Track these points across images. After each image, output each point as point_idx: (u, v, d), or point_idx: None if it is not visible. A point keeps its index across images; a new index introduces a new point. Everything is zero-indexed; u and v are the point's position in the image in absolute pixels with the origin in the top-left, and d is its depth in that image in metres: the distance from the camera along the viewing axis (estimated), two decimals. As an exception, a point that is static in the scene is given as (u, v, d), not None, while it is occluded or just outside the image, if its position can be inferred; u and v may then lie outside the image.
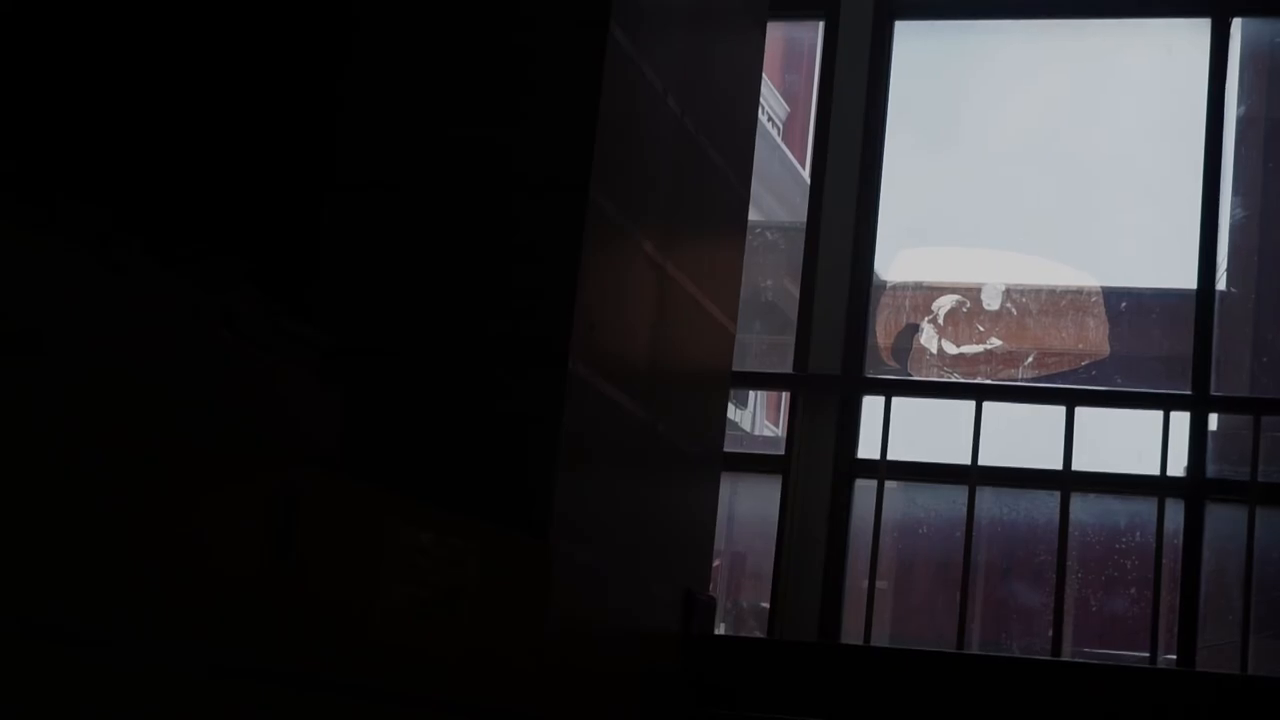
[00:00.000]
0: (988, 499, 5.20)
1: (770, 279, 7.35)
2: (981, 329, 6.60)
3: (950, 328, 6.40)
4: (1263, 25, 5.61)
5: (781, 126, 9.88)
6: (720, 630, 5.40)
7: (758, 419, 9.61)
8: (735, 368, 4.06)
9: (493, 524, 2.74)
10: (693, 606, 3.63)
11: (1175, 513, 4.96)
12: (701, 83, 3.60)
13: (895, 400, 4.95)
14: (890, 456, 4.88)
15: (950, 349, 6.41)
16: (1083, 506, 5.21)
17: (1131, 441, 5.08)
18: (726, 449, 3.99)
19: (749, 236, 4.06)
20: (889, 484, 4.70)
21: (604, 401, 3.14)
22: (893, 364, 5.96)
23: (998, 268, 6.56)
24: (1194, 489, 5.02)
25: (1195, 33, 5.33)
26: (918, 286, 6.27)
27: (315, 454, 2.48)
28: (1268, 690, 3.72)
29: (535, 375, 2.98)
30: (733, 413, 7.89)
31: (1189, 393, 5.08)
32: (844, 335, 5.40)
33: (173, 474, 1.96)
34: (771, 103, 9.35)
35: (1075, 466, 4.68)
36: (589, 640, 3.10)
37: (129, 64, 2.96)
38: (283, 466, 2.22)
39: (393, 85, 3.20)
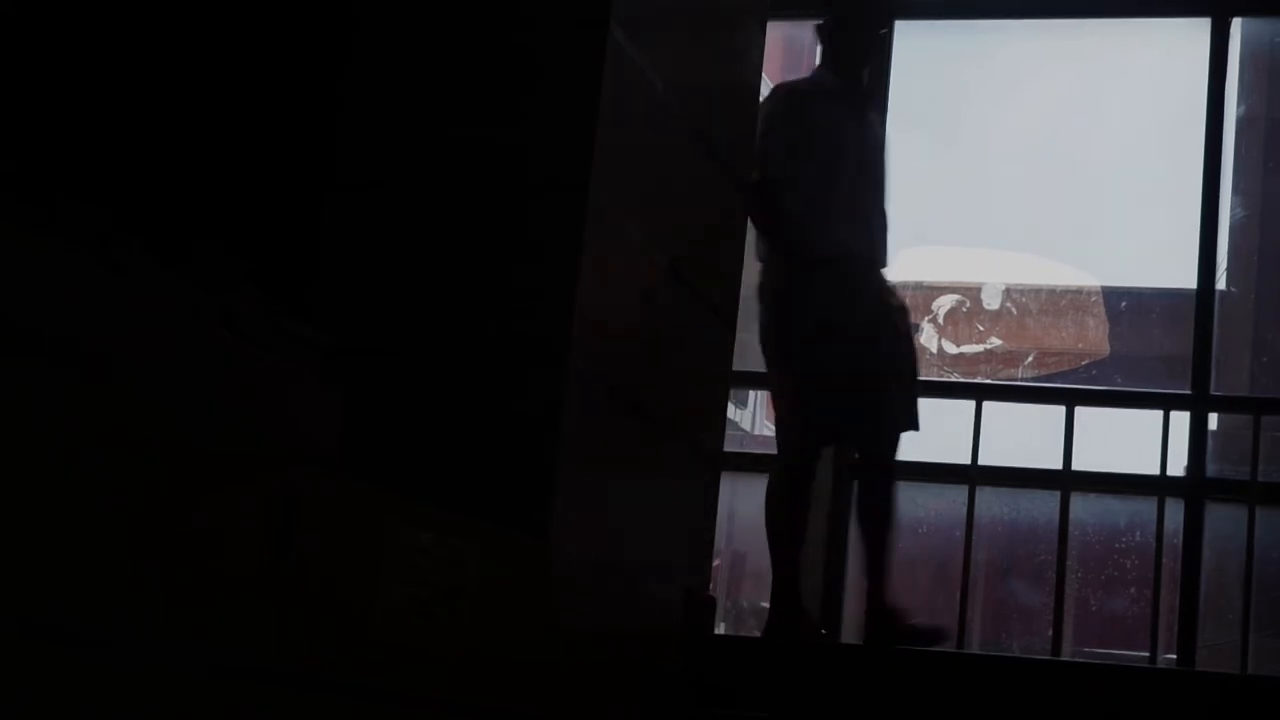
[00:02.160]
0: (988, 499, 5.20)
1: (770, 279, 7.33)
2: (981, 329, 6.61)
3: (950, 327, 6.41)
4: (1263, 25, 5.61)
5: (781, 126, 9.86)
6: (720, 630, 5.39)
7: (758, 419, 9.60)
8: (735, 367, 4.06)
9: (493, 524, 2.74)
10: (693, 606, 3.63)
11: (1175, 512, 4.96)
12: (701, 82, 3.60)
13: (895, 400, 4.94)
14: (890, 456, 4.88)
15: (950, 348, 6.41)
16: (1083, 506, 5.20)
17: (1131, 441, 5.07)
18: (726, 449, 3.99)
19: (749, 236, 4.07)
20: (889, 484, 4.68)
21: (604, 401, 3.14)
22: (893, 364, 5.94)
23: (998, 267, 6.56)
24: (1194, 489, 5.01)
25: (1195, 32, 5.32)
26: (918, 286, 6.27)
27: (315, 454, 2.48)
28: (1268, 690, 3.73)
29: (535, 375, 2.98)
30: (733, 413, 7.88)
31: (1189, 392, 5.08)
32: (844, 335, 5.38)
33: (173, 474, 1.96)
34: (772, 102, 9.33)
35: (1075, 466, 4.68)
36: (589, 640, 3.10)
37: (129, 64, 2.96)
38: (283, 466, 2.22)
39: (393, 85, 3.21)
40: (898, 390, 4.22)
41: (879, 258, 4.27)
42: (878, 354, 4.17)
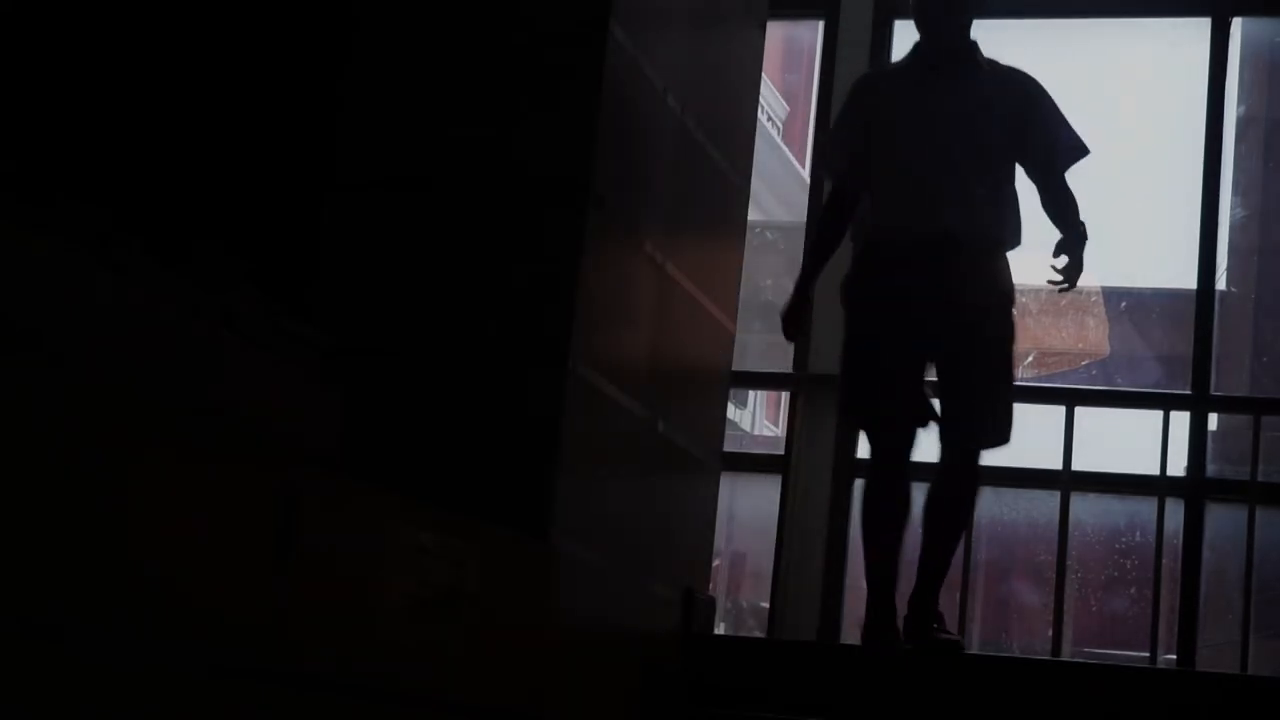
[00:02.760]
0: (988, 499, 5.19)
1: (770, 278, 7.34)
2: (981, 329, 6.58)
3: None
4: (1263, 25, 5.61)
5: (781, 126, 9.90)
6: (720, 630, 5.39)
7: (758, 419, 9.61)
8: (735, 367, 4.06)
9: (493, 524, 2.74)
10: (693, 606, 3.63)
11: (1175, 513, 4.95)
12: (701, 82, 3.60)
13: (895, 400, 4.94)
14: (890, 456, 4.87)
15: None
16: (1083, 506, 5.20)
17: (1131, 441, 5.07)
18: (726, 449, 3.99)
19: (749, 236, 4.07)
20: (889, 484, 4.68)
21: (604, 401, 3.14)
22: (893, 364, 5.94)
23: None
24: (1194, 489, 5.01)
25: (1195, 32, 5.32)
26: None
27: (315, 454, 2.48)
28: (1268, 690, 3.72)
29: (535, 375, 2.98)
30: (733, 413, 7.89)
31: (1189, 392, 5.08)
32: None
33: (173, 474, 1.96)
34: (771, 102, 9.36)
35: (1075, 466, 4.68)
36: (589, 640, 3.10)
37: (130, 65, 2.96)
38: (283, 466, 2.22)
39: (393, 85, 3.20)
40: (962, 390, 3.86)
41: (951, 237, 3.81)
42: (925, 341, 3.82)
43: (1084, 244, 3.98)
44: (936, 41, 4.01)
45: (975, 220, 3.89)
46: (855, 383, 3.95)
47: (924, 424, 3.90)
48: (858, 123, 4.03)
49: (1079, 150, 4.02)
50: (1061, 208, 4.00)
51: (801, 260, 4.19)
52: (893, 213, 3.93)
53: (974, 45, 4.04)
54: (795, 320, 4.09)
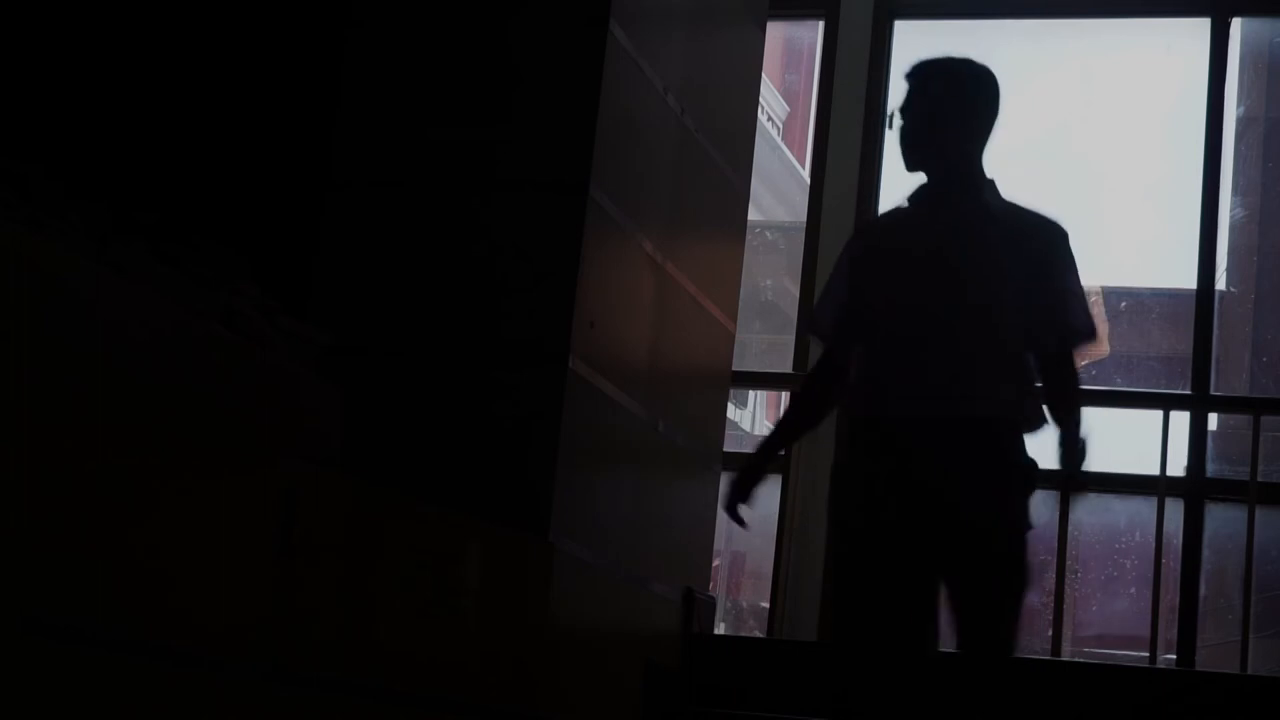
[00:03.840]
0: (988, 499, 5.18)
1: (770, 278, 7.34)
2: (981, 329, 6.58)
3: (950, 327, 6.36)
4: (1263, 25, 5.61)
5: (781, 126, 9.88)
6: (720, 630, 5.39)
7: (758, 419, 9.60)
8: (735, 367, 4.06)
9: (493, 523, 2.74)
10: (693, 606, 3.63)
11: (1175, 512, 4.95)
12: (701, 82, 3.60)
13: (895, 400, 4.93)
14: (890, 456, 4.87)
15: (950, 349, 6.36)
16: (1083, 506, 5.20)
17: (1131, 441, 5.06)
18: (726, 449, 3.99)
19: (749, 236, 4.07)
20: (889, 484, 4.68)
21: (604, 401, 3.14)
22: (893, 364, 5.93)
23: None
24: (1194, 488, 5.01)
25: (1195, 32, 5.32)
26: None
27: (315, 453, 2.48)
28: (1268, 690, 3.72)
29: (535, 375, 2.99)
30: (733, 413, 7.88)
31: (1189, 392, 5.08)
32: (844, 335, 5.38)
33: (173, 474, 1.97)
34: (771, 102, 9.35)
35: (1075, 466, 4.67)
36: (589, 640, 3.10)
37: (130, 65, 2.96)
38: (283, 464, 2.22)
39: (393, 86, 3.21)
40: (976, 611, 3.17)
41: (940, 420, 3.13)
42: (921, 552, 3.11)
43: (1082, 442, 3.22)
44: (930, 174, 3.30)
45: (974, 398, 3.22)
46: (844, 607, 3.25)
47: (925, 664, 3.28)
48: (847, 278, 3.34)
49: (1087, 335, 3.37)
50: (1062, 393, 3.29)
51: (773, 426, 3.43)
52: (873, 389, 3.24)
53: (981, 183, 3.36)
54: (742, 492, 3.29)
